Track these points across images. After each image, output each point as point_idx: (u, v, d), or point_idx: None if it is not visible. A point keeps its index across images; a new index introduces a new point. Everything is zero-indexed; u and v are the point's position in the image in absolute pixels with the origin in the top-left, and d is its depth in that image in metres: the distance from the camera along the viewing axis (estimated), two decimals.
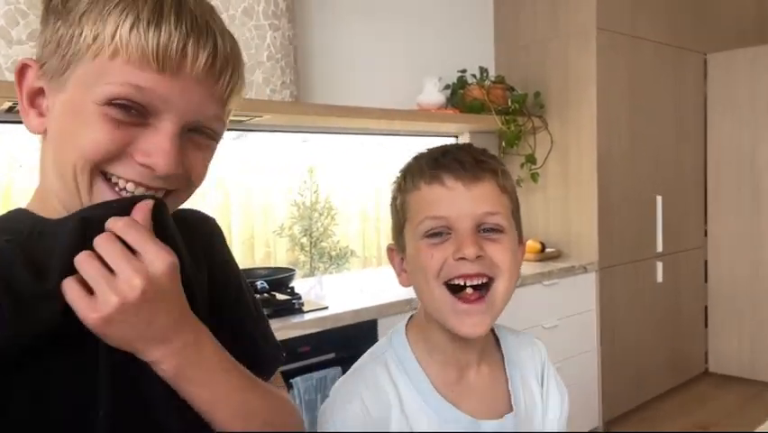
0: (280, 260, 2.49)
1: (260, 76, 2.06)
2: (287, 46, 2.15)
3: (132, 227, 0.51)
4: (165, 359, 0.53)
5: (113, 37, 0.50)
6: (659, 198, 3.14)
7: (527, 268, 2.63)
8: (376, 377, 0.75)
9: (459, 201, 0.72)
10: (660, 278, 3.17)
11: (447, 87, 2.82)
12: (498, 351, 0.83)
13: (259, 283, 1.85)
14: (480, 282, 0.71)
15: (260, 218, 2.47)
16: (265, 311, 1.75)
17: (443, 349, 0.76)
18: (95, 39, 0.51)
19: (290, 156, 2.53)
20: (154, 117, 0.53)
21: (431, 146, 0.81)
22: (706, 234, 3.52)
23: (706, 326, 3.55)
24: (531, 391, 0.81)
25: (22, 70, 0.55)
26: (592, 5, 2.75)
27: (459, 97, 2.80)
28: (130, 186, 0.54)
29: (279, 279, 1.96)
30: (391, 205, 0.80)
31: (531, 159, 2.96)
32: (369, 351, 0.82)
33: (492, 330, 0.82)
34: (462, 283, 0.71)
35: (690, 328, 3.44)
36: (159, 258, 0.51)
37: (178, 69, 0.52)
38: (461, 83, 2.83)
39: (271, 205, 2.49)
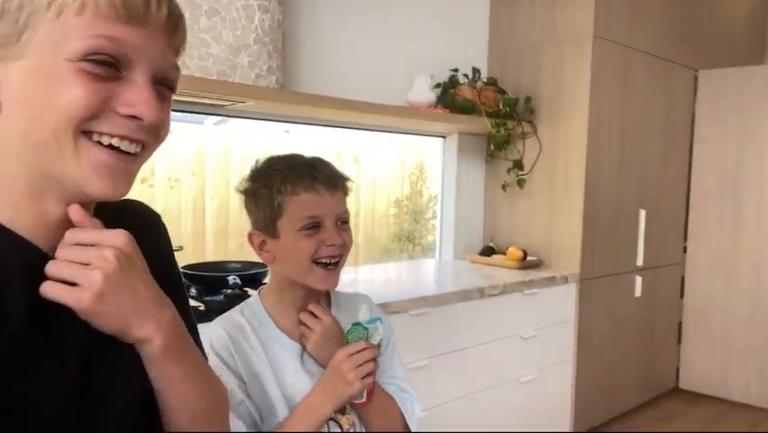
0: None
1: (246, 59, 1.94)
2: (275, 29, 2.04)
3: (77, 231, 0.55)
4: (156, 334, 0.57)
5: None
6: (642, 212, 3.11)
7: (508, 276, 2.57)
8: (235, 318, 1.07)
9: (327, 205, 1.03)
10: (638, 292, 3.15)
11: (438, 85, 2.74)
12: (328, 304, 1.16)
13: (231, 278, 1.75)
14: (336, 260, 1.05)
15: (236, 208, 2.36)
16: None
17: (294, 301, 1.08)
18: None
19: (270, 146, 2.43)
20: (127, 70, 0.54)
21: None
22: (685, 251, 3.51)
23: (679, 342, 3.56)
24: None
25: None
26: (590, 12, 2.70)
27: (449, 97, 2.72)
28: (115, 141, 0.54)
29: (252, 274, 1.86)
30: (259, 203, 1.05)
31: (518, 164, 2.90)
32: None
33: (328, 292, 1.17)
34: (327, 261, 1.03)
35: (663, 344, 3.43)
36: (115, 234, 0.56)
37: (144, 19, 0.53)
38: (453, 82, 2.76)
39: None
